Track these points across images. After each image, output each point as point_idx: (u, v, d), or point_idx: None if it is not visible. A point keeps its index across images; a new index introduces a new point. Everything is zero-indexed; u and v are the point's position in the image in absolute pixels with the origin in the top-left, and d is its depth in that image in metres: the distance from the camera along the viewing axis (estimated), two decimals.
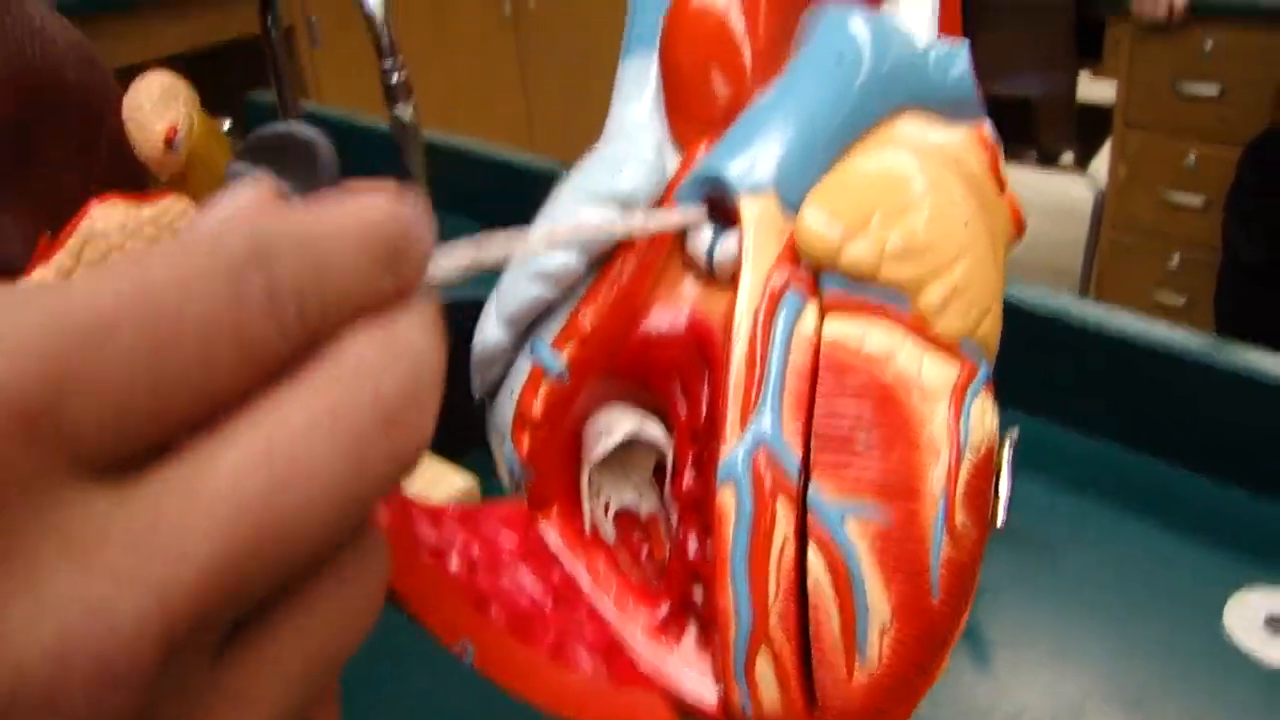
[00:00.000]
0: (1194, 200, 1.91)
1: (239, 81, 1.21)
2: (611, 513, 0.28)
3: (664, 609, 0.27)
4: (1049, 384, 0.61)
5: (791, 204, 0.26)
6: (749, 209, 0.26)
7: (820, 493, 0.24)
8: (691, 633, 0.27)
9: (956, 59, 0.29)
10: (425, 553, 0.25)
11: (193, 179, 0.56)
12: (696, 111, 0.28)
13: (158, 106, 0.54)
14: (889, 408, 0.25)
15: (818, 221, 0.25)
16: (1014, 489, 0.43)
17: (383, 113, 0.74)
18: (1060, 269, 2.46)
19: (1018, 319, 0.61)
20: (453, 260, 0.19)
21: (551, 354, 0.27)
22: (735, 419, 0.25)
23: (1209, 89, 1.83)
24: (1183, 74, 1.85)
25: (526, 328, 0.28)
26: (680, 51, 0.28)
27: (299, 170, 0.54)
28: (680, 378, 0.27)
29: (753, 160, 0.26)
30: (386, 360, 0.15)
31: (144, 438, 0.13)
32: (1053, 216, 2.72)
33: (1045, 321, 0.61)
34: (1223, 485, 0.56)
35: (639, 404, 0.28)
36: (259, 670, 0.15)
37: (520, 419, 0.28)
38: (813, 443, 0.25)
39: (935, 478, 0.25)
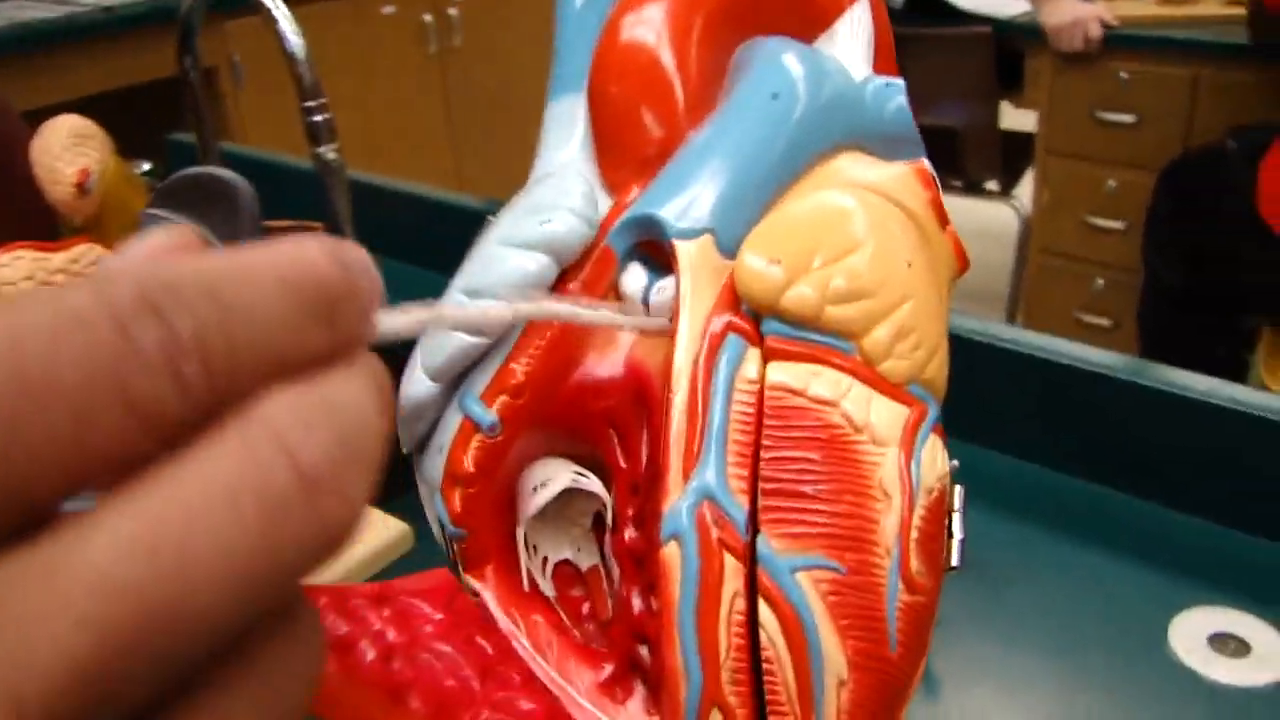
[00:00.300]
0: (1115, 224, 1.95)
1: (159, 123, 1.18)
2: (549, 568, 0.27)
3: (608, 669, 0.26)
4: (982, 410, 0.62)
5: (728, 246, 0.26)
6: (684, 252, 0.25)
7: (769, 545, 0.24)
8: (638, 694, 0.26)
9: (894, 93, 0.28)
10: (331, 648, 0.23)
11: (107, 225, 0.54)
12: (628, 152, 0.27)
13: (69, 150, 0.52)
14: (837, 454, 0.24)
15: (757, 264, 0.25)
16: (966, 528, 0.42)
17: (308, 153, 0.72)
18: (988, 292, 2.50)
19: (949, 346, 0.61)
20: (401, 321, 0.17)
21: (482, 407, 0.26)
22: (678, 471, 0.24)
23: (1126, 117, 1.88)
24: (1100, 104, 1.90)
25: (454, 379, 0.27)
26: (610, 91, 0.27)
27: (219, 214, 0.52)
28: (618, 427, 0.27)
29: (687, 202, 0.26)
30: (309, 421, 0.13)
31: (5, 509, 0.11)
32: (980, 241, 2.77)
33: (975, 347, 0.61)
34: (1158, 507, 0.56)
35: (574, 455, 0.27)
36: None
37: (451, 475, 0.26)
38: (760, 493, 0.24)
39: (888, 525, 0.24)
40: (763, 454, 0.24)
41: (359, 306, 0.14)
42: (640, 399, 0.26)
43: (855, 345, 0.25)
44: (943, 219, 0.29)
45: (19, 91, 2.07)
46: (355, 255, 0.14)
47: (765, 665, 0.23)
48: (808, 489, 0.24)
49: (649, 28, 0.27)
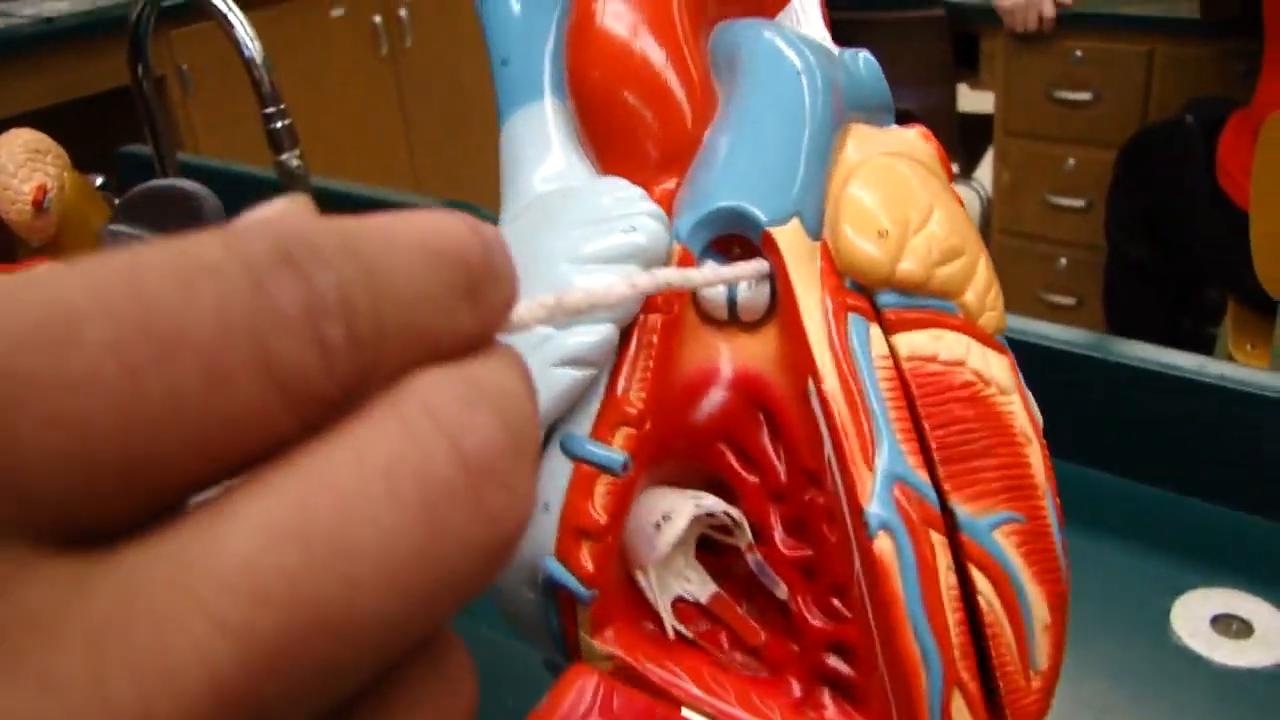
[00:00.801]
0: (1076, 203, 1.97)
1: (105, 136, 1.15)
2: (669, 608, 0.25)
3: (797, 689, 0.25)
4: None
5: (813, 227, 0.25)
6: (783, 240, 0.25)
7: (963, 511, 0.24)
8: (828, 705, 0.25)
9: (873, 63, 0.28)
10: None
11: (66, 243, 0.52)
12: (639, 149, 0.26)
13: (23, 167, 0.50)
14: (983, 410, 0.25)
15: (865, 243, 0.25)
16: None
17: (261, 159, 0.71)
18: None
19: None
20: (530, 310, 0.15)
21: (603, 447, 0.24)
22: (860, 461, 0.24)
23: (1082, 95, 1.89)
24: (1056, 83, 1.91)
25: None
26: (608, 87, 0.26)
27: (184, 227, 0.50)
28: (733, 439, 0.25)
29: (765, 190, 0.25)
30: (469, 404, 0.11)
31: (123, 489, 0.09)
32: None
33: None
34: (1157, 490, 0.56)
35: (677, 480, 0.26)
36: None
37: (575, 531, 0.24)
38: (937, 462, 0.24)
39: (1038, 467, 0.25)
40: (926, 424, 0.24)
41: (502, 287, 0.12)
42: (757, 404, 0.25)
43: (957, 304, 0.25)
44: (950, 173, 0.29)
45: None
46: (495, 233, 0.13)
47: (990, 630, 0.23)
48: (975, 448, 0.24)
49: (629, 17, 0.26)
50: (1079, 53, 1.87)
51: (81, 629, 0.09)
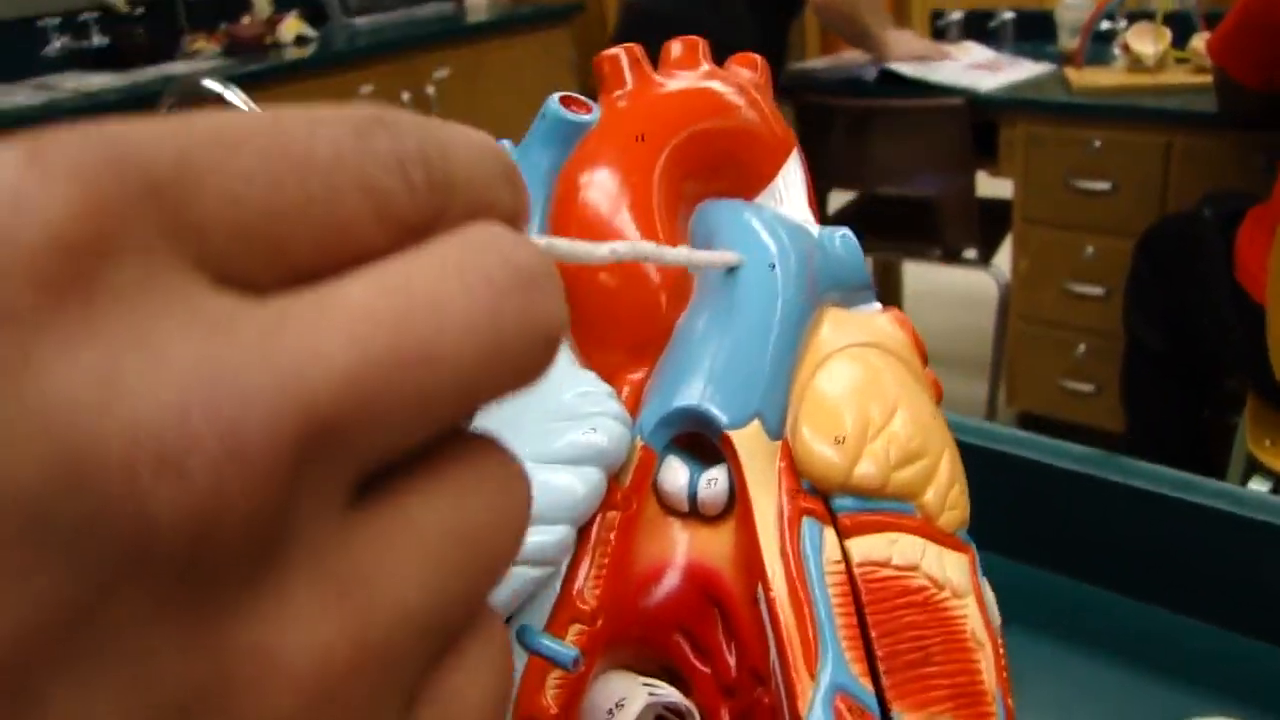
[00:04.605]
0: (1095, 290, 1.97)
1: None
2: None
3: None
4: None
5: (774, 427, 0.25)
6: (741, 443, 0.25)
7: None
8: None
9: (853, 242, 0.28)
10: None
11: None
12: (613, 336, 0.26)
13: None
14: (934, 616, 0.25)
15: (821, 447, 0.25)
16: None
17: None
18: (972, 359, 2.51)
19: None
20: (555, 244, 0.18)
21: (557, 642, 0.24)
22: (803, 670, 0.24)
23: (1101, 185, 1.90)
24: (1075, 171, 1.93)
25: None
26: (580, 274, 0.26)
27: None
28: (688, 630, 0.26)
29: (727, 391, 0.25)
30: (515, 240, 0.14)
31: (269, 256, 0.13)
32: (962, 308, 2.79)
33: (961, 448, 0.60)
34: (1161, 611, 0.56)
35: (634, 666, 0.26)
36: (398, 535, 0.13)
37: None
38: (881, 671, 0.24)
39: (988, 672, 0.25)
40: (873, 632, 0.24)
41: (525, 189, 0.16)
42: (710, 597, 0.25)
43: (916, 505, 0.25)
44: (924, 359, 0.29)
45: None
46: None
47: None
48: (921, 656, 0.24)
49: (612, 197, 0.27)
50: (1098, 142, 1.89)
51: (255, 325, 0.12)
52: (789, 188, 0.30)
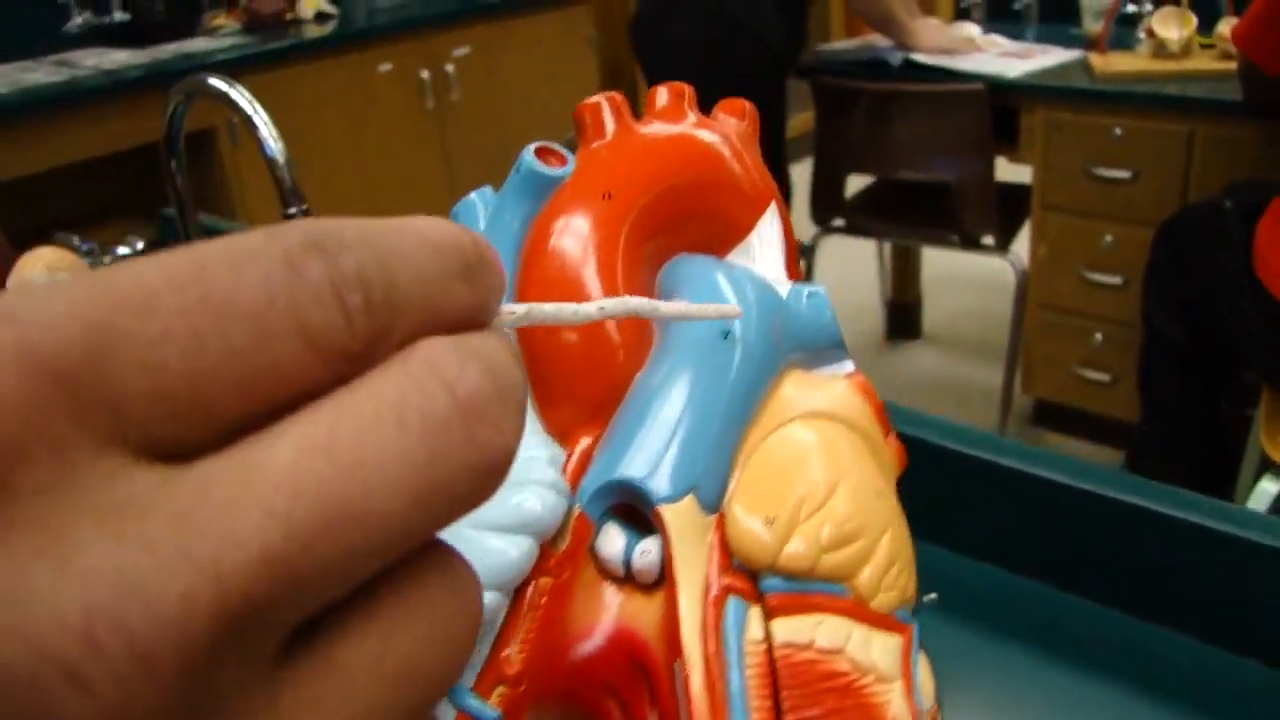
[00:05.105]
0: (1113, 280, 1.95)
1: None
2: None
3: None
4: (969, 523, 0.61)
5: (710, 501, 0.25)
6: (671, 519, 0.25)
7: None
8: None
9: (822, 301, 0.28)
10: None
11: None
12: (572, 396, 0.27)
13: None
14: (852, 702, 0.24)
15: (752, 526, 0.25)
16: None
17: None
18: (989, 344, 2.49)
19: (943, 459, 0.61)
20: (509, 312, 0.17)
21: (480, 701, 0.25)
22: None
23: (1121, 173, 1.88)
24: (1095, 159, 1.90)
25: None
26: (544, 334, 0.27)
27: None
28: (618, 695, 0.26)
29: (663, 462, 0.26)
30: (463, 359, 0.14)
31: (193, 418, 0.12)
32: (982, 292, 2.77)
33: (965, 460, 0.60)
34: (1154, 628, 0.56)
35: None
36: (325, 684, 0.13)
37: None
38: None
39: None
40: (788, 716, 0.24)
41: (492, 274, 0.15)
42: (638, 665, 0.26)
43: (848, 586, 0.25)
44: (886, 428, 0.29)
45: (24, 155, 2.09)
46: (480, 236, 0.16)
47: None
48: None
49: (576, 254, 0.27)
50: (1119, 130, 1.87)
51: (170, 510, 0.12)
52: (764, 242, 0.30)
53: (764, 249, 0.30)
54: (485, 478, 0.14)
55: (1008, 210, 2.08)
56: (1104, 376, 2.02)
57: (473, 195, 0.35)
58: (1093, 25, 2.09)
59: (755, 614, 0.25)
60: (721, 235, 0.30)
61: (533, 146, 0.31)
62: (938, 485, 0.61)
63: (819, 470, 0.26)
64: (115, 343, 0.12)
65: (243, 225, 1.08)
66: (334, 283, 0.13)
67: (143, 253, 1.12)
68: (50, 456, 0.11)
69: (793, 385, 0.27)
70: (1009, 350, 2.14)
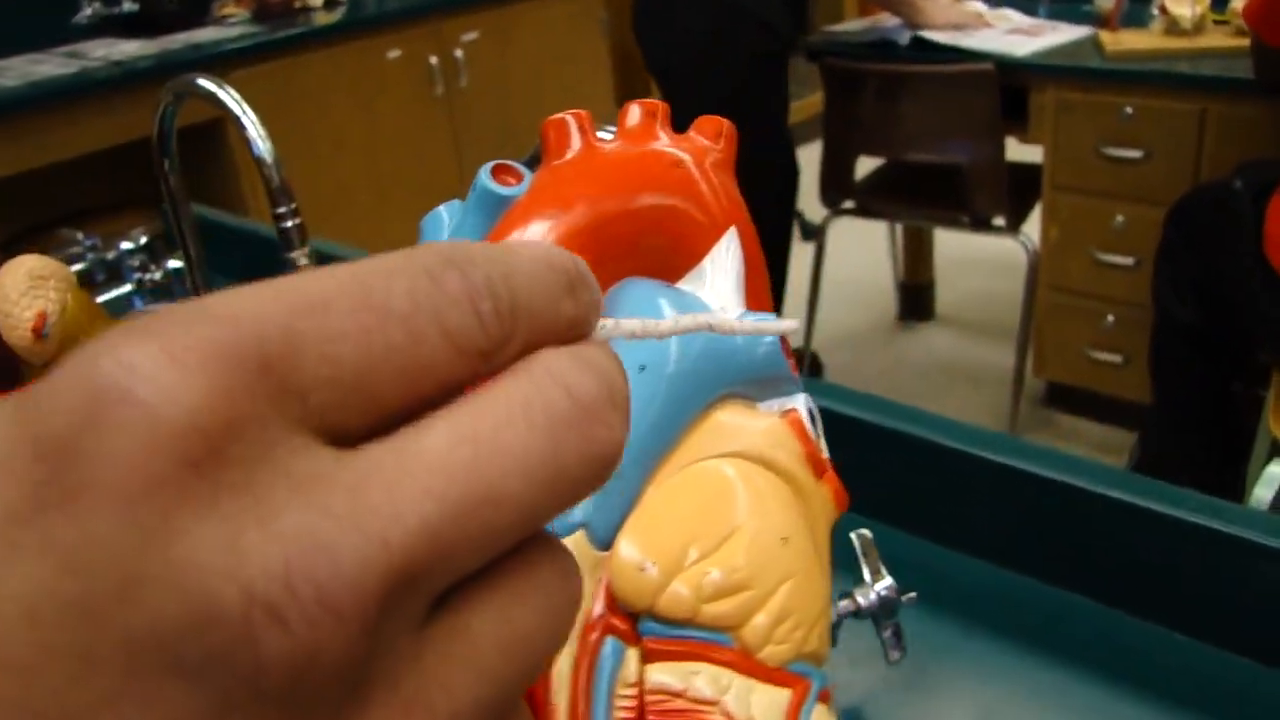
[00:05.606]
0: (1125, 260, 1.93)
1: (190, 166, 1.20)
2: None
3: None
4: (967, 521, 0.61)
5: (603, 536, 0.25)
6: None
7: None
8: None
9: (763, 337, 0.27)
10: None
11: None
12: None
13: (25, 295, 0.52)
14: None
15: (632, 565, 0.24)
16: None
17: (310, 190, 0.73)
18: (999, 326, 2.48)
19: (940, 457, 0.60)
20: (604, 324, 0.19)
21: None
22: None
23: (1132, 153, 1.86)
24: (1106, 139, 1.89)
25: None
26: None
27: None
28: None
29: None
30: (579, 367, 0.16)
31: (361, 405, 0.14)
32: (994, 273, 2.75)
33: (965, 459, 0.60)
34: (1156, 627, 0.55)
35: None
36: (455, 647, 0.15)
37: None
38: None
39: None
40: None
41: (591, 292, 0.17)
42: (526, 698, 0.26)
43: (734, 637, 0.24)
44: (819, 469, 0.28)
45: (34, 146, 2.10)
46: (579, 258, 0.18)
47: None
48: None
49: None
50: (1129, 109, 1.85)
51: (344, 485, 0.14)
52: (716, 270, 0.30)
53: (716, 275, 0.29)
54: (600, 468, 0.16)
55: (1018, 191, 2.06)
56: (1116, 358, 2.01)
57: (440, 209, 0.35)
58: (1104, 2, 2.07)
59: (632, 655, 0.25)
60: (674, 259, 0.30)
61: (490, 164, 0.31)
62: (933, 482, 0.61)
63: (719, 514, 0.25)
64: (305, 336, 0.14)
65: (241, 217, 1.08)
66: (469, 292, 0.15)
67: (145, 246, 1.13)
68: (255, 433, 0.13)
69: (726, 414, 0.27)
70: (1020, 332, 2.13)
